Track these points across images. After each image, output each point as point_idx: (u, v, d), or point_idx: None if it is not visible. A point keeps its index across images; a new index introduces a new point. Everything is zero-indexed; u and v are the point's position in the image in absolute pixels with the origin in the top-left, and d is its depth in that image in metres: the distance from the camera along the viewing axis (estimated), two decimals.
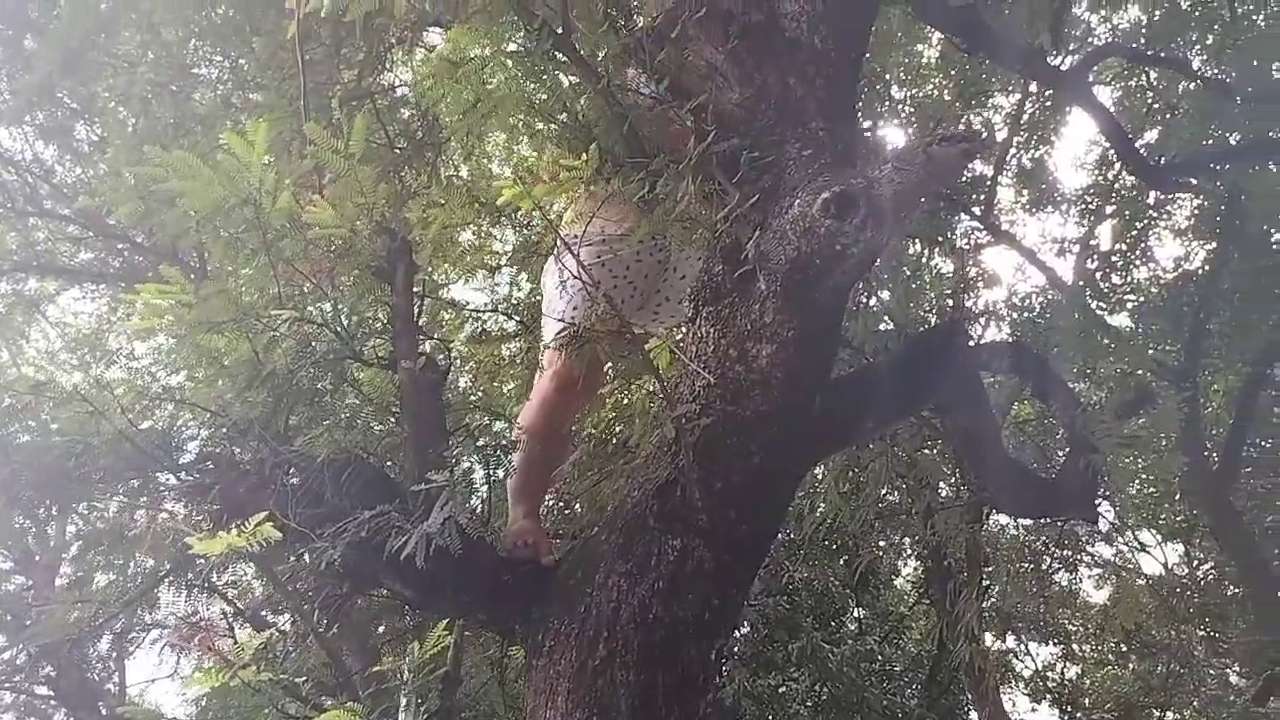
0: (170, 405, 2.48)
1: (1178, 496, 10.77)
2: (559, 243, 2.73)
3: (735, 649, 12.89)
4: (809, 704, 12.60)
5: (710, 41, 2.65)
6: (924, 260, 11.47)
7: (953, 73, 10.23)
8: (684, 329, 2.64)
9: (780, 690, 13.06)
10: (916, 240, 10.63)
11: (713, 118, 2.61)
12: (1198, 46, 9.71)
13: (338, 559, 2.20)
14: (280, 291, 2.23)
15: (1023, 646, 19.16)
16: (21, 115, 9.17)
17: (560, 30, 2.59)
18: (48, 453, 2.46)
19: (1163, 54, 7.21)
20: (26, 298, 10.65)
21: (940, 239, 10.41)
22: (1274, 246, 9.19)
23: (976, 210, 9.42)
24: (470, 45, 2.63)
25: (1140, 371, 9.36)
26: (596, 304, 2.48)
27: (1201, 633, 15.06)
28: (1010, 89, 9.85)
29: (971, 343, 3.40)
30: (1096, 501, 3.78)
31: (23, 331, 10.88)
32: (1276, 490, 10.29)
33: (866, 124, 9.79)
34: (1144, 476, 11.68)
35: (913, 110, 10.72)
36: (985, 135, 2.61)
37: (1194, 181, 6.65)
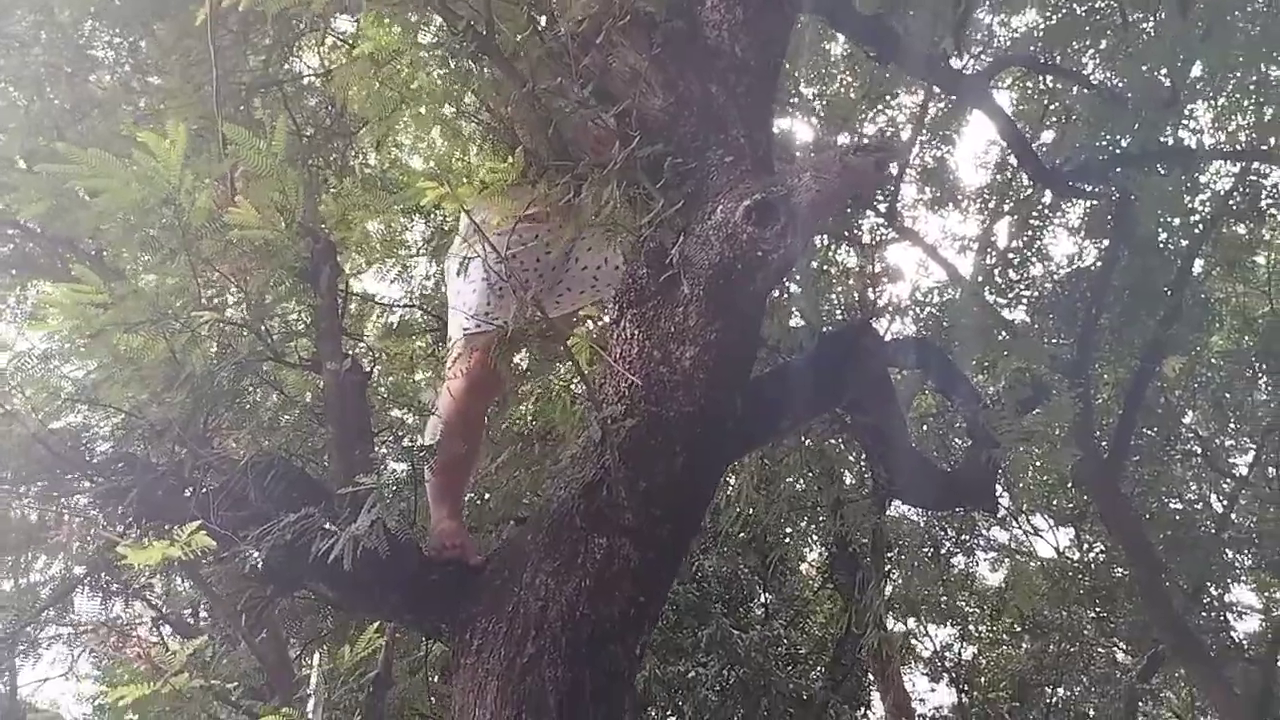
0: (83, 406, 2.42)
1: (1070, 484, 11.23)
2: (469, 236, 2.74)
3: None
4: (717, 689, 12.81)
5: (634, 48, 2.70)
6: (831, 255, 11.75)
7: (858, 69, 10.47)
8: (609, 329, 2.69)
9: (689, 676, 13.23)
10: (824, 236, 10.87)
11: (637, 123, 2.66)
12: (1092, 51, 10.15)
13: (261, 562, 2.19)
14: (199, 292, 2.20)
15: (922, 628, 19.74)
16: None
17: (484, 32, 2.60)
18: None
19: (1058, 62, 7.49)
20: None
21: (846, 234, 10.67)
22: (1161, 246, 9.67)
23: (881, 207, 9.65)
24: (383, 37, 2.62)
25: (1035, 366, 9.76)
26: (520, 304, 2.50)
27: (1091, 614, 15.71)
28: (914, 89, 10.10)
29: (880, 340, 3.53)
30: (995, 492, 3.97)
31: None
32: (1160, 478, 10.81)
33: (777, 122, 9.98)
34: (1038, 465, 12.18)
35: (820, 107, 10.95)
36: (899, 145, 2.72)
37: (1087, 187, 6.96)
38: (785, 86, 9.78)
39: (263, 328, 2.45)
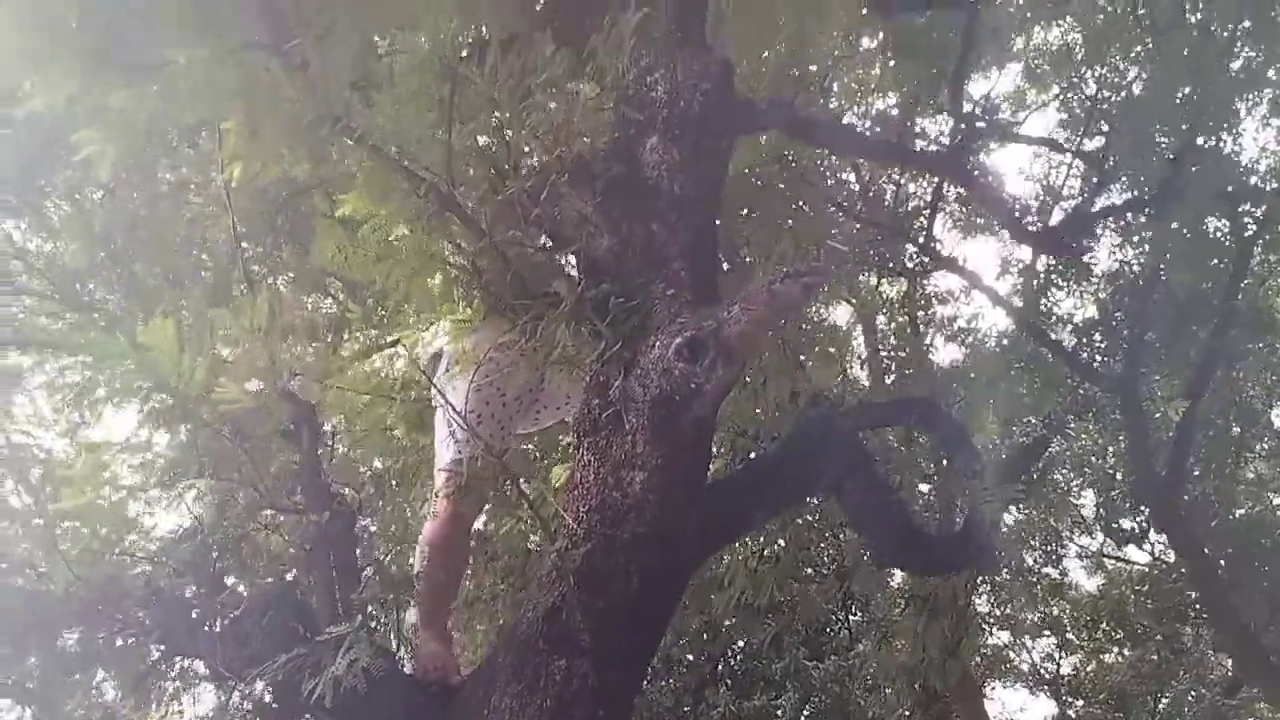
0: (115, 555, 2.75)
1: (1128, 504, 11.09)
2: (444, 383, 3.03)
3: (720, 670, 13.15)
4: None
5: (579, 196, 2.95)
6: (876, 286, 11.88)
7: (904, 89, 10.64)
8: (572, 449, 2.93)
9: (767, 708, 13.27)
10: (867, 269, 11.03)
11: (586, 264, 2.92)
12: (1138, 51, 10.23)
13: (266, 698, 2.49)
14: (199, 452, 2.52)
15: (1018, 641, 19.44)
16: None
17: (446, 191, 2.89)
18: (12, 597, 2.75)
19: (1030, 134, 7.57)
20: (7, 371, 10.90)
21: (890, 265, 10.79)
22: (1206, 258, 9.54)
23: (919, 238, 9.74)
24: (356, 201, 2.92)
25: (1082, 384, 9.73)
26: (482, 446, 2.77)
27: (1186, 625, 15.32)
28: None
29: (855, 421, 3.71)
30: (994, 556, 4.09)
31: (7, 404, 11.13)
32: (1222, 494, 10.61)
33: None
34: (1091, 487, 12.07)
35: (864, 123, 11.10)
36: (826, 269, 2.92)
37: (1077, 245, 6.99)
38: (828, 104, 10.04)
39: (258, 481, 2.78)
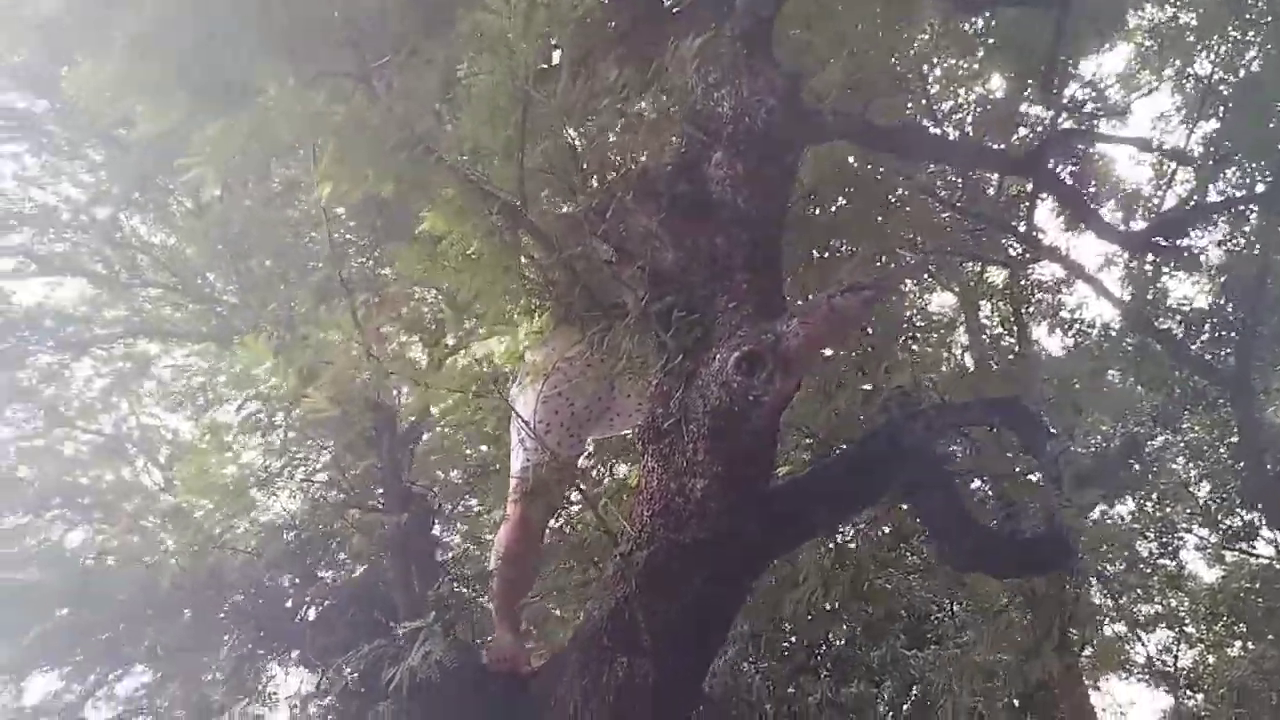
0: (216, 549, 3.00)
1: (1238, 501, 10.69)
2: (516, 392, 3.20)
3: (819, 657, 13.15)
4: (892, 712, 12.78)
5: (645, 211, 3.07)
6: (980, 275, 11.68)
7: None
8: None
9: (865, 695, 13.23)
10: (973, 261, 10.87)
11: (652, 277, 3.03)
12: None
13: (352, 683, 2.69)
14: (290, 456, 2.72)
15: (1133, 634, 18.93)
16: (126, 198, 10.19)
17: (519, 207, 3.04)
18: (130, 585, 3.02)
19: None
20: (137, 358, 11.60)
21: (991, 255, 10.59)
22: None
23: (1020, 228, 9.54)
24: (441, 225, 3.09)
25: (1194, 377, 9.40)
26: (553, 454, 2.91)
27: None
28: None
29: (928, 428, 3.73)
30: (1071, 556, 4.07)
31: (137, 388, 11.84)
32: None
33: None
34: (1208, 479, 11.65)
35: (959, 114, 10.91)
36: (888, 282, 2.97)
37: (1167, 245, 6.73)
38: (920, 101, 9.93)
39: (344, 482, 2.98)
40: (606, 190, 3.04)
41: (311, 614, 2.83)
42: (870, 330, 4.78)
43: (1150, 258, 9.39)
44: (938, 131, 4.32)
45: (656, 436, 2.91)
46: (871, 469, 3.38)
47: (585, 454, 3.42)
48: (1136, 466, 14.09)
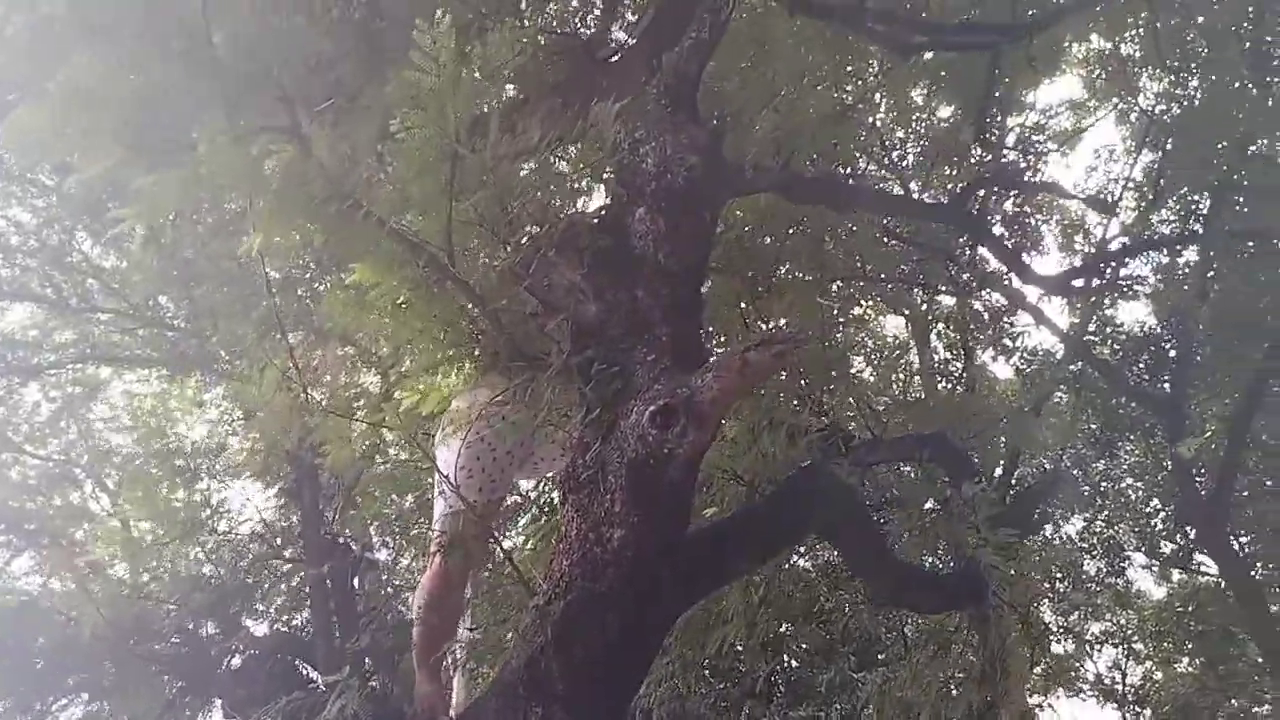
0: (139, 600, 3.03)
1: (1173, 526, 10.94)
2: (447, 426, 3.26)
3: (770, 681, 13.20)
4: None
5: (569, 264, 3.15)
6: (928, 303, 11.88)
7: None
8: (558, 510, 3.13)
9: (816, 718, 13.29)
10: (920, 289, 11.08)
11: (574, 329, 3.11)
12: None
13: None
14: (213, 509, 2.77)
15: (1085, 650, 19.20)
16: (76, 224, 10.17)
17: (448, 261, 3.11)
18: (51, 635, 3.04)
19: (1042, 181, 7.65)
20: (87, 382, 11.52)
21: (940, 286, 10.80)
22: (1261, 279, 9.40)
23: (962, 258, 9.73)
24: (370, 277, 3.16)
25: (1131, 403, 9.64)
26: (470, 505, 2.98)
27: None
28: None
29: (841, 472, 3.85)
30: (986, 595, 4.20)
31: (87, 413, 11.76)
32: (1272, 516, 10.42)
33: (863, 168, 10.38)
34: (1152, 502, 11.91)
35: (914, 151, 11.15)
36: (801, 335, 3.08)
37: (1093, 284, 6.94)
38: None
39: (268, 535, 3.03)
40: (532, 244, 3.12)
41: (235, 663, 2.87)
42: (802, 370, 4.89)
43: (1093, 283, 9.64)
44: (860, 182, 4.45)
45: (575, 487, 2.99)
46: (790, 512, 3.48)
47: (507, 499, 3.48)
48: (1086, 488, 14.40)
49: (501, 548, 2.93)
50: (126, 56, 3.28)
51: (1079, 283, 6.26)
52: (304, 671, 2.85)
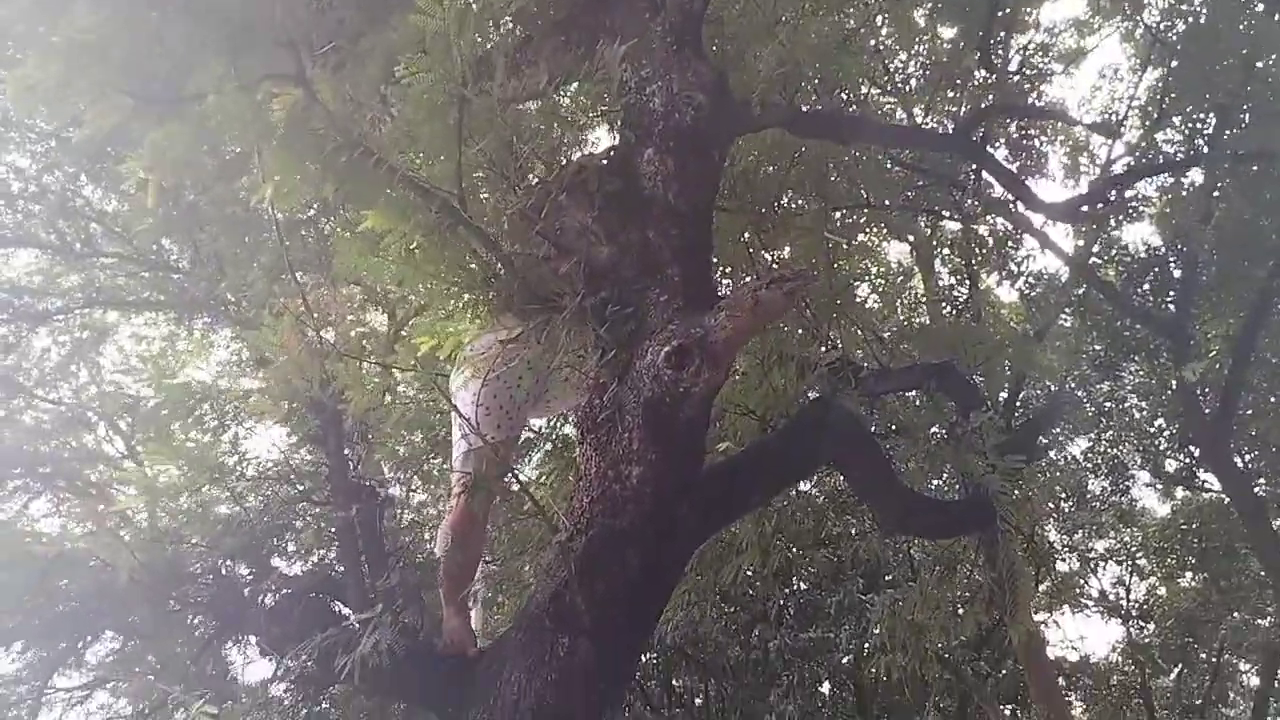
0: (170, 545, 3.12)
1: (1177, 446, 11.06)
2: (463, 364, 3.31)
3: (775, 606, 13.46)
4: (850, 655, 13.16)
5: (580, 207, 3.17)
6: (932, 230, 11.90)
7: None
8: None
9: (823, 641, 13.57)
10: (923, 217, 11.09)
11: (587, 271, 3.14)
12: None
13: (305, 669, 2.84)
14: (239, 455, 2.84)
15: (1088, 568, 19.52)
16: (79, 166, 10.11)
17: (459, 205, 3.13)
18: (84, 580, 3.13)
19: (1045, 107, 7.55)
20: (94, 326, 11.56)
21: (945, 212, 10.80)
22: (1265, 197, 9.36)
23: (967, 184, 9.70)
24: (382, 224, 3.18)
25: (1136, 325, 9.67)
26: (490, 450, 3.05)
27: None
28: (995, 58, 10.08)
29: (853, 404, 3.91)
30: (993, 520, 4.29)
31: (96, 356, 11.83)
32: (1274, 434, 10.51)
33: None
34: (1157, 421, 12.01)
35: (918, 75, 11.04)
36: (810, 273, 3.11)
37: (1098, 208, 6.92)
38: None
39: (294, 477, 3.10)
40: (542, 187, 3.13)
41: (268, 602, 2.96)
42: (809, 304, 4.92)
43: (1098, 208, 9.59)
44: (865, 111, 4.43)
45: (593, 427, 3.05)
46: (801, 444, 3.55)
47: (521, 436, 3.54)
48: (1090, 409, 14.51)
49: (522, 485, 2.99)
50: (125, 6, 3.26)
51: (1084, 209, 6.24)
52: (337, 609, 2.94)
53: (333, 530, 3.55)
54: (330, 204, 4.78)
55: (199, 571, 3.06)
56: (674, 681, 14.16)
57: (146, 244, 9.44)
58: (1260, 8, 9.47)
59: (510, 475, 3.20)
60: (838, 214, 9.96)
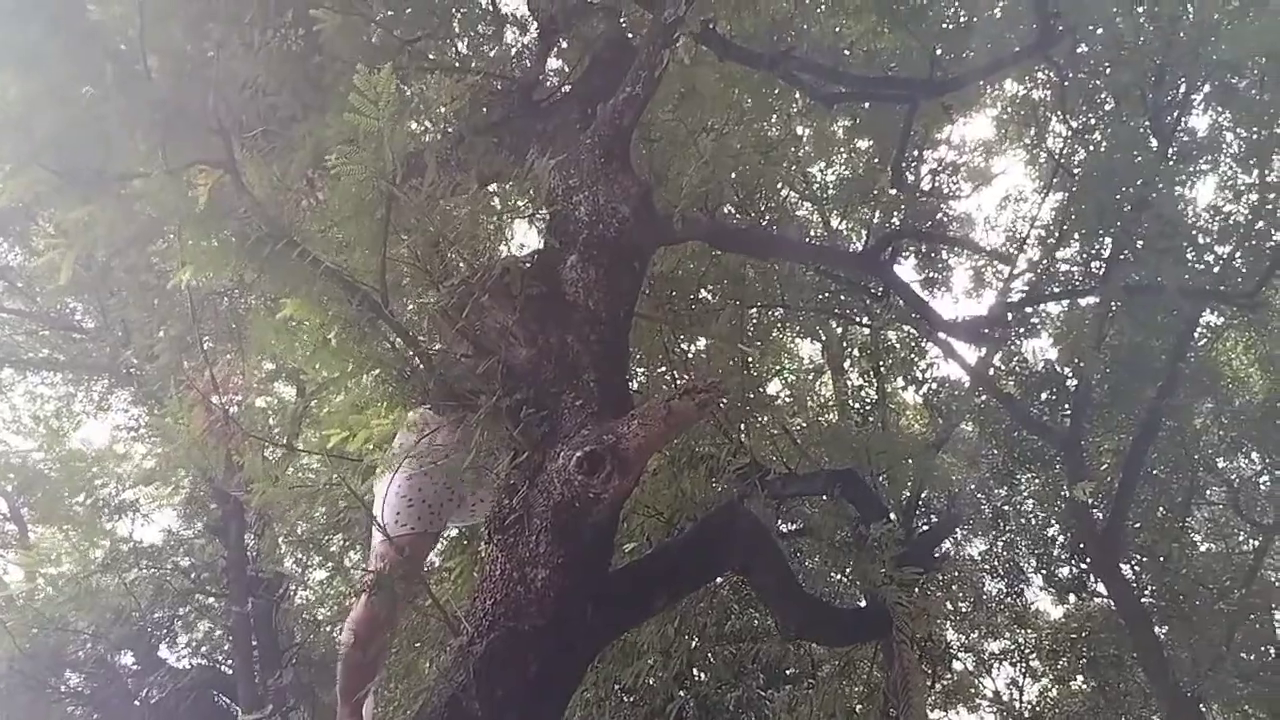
0: (56, 632, 3.01)
1: (1069, 553, 11.41)
2: (388, 461, 3.30)
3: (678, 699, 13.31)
4: None
5: (501, 308, 3.23)
6: (842, 335, 12.27)
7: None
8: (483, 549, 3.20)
9: None
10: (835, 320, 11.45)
11: (506, 372, 3.19)
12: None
13: None
14: (134, 545, 2.77)
15: (983, 669, 19.74)
16: None
17: (381, 303, 3.16)
18: None
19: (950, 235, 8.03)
20: None
21: (855, 315, 11.16)
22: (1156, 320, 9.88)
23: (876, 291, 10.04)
24: (302, 313, 3.18)
25: (1029, 436, 10.05)
26: (409, 540, 3.04)
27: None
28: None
29: (755, 515, 3.98)
30: (891, 628, 4.38)
31: None
32: (1160, 546, 10.93)
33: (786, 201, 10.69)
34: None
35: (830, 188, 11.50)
36: (722, 386, 3.20)
37: (997, 335, 7.31)
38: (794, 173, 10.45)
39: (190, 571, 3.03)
40: (465, 286, 3.18)
41: (153, 696, 2.87)
42: (723, 406, 5.03)
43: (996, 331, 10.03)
44: (780, 231, 4.63)
45: (501, 528, 3.07)
46: (708, 550, 3.60)
47: (442, 535, 3.53)
48: (988, 511, 14.90)
49: (429, 589, 2.98)
50: (54, 82, 3.25)
51: (984, 331, 6.54)
52: (225, 706, 2.85)
53: (227, 624, 3.44)
54: (247, 282, 4.75)
55: (83, 660, 2.95)
56: None
57: (51, 303, 9.20)
58: (1154, 144, 10.11)
59: (418, 576, 3.17)
60: (753, 312, 10.25)
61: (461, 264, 3.27)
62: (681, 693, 13.14)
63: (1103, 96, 10.66)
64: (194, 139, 3.32)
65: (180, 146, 3.25)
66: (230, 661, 3.42)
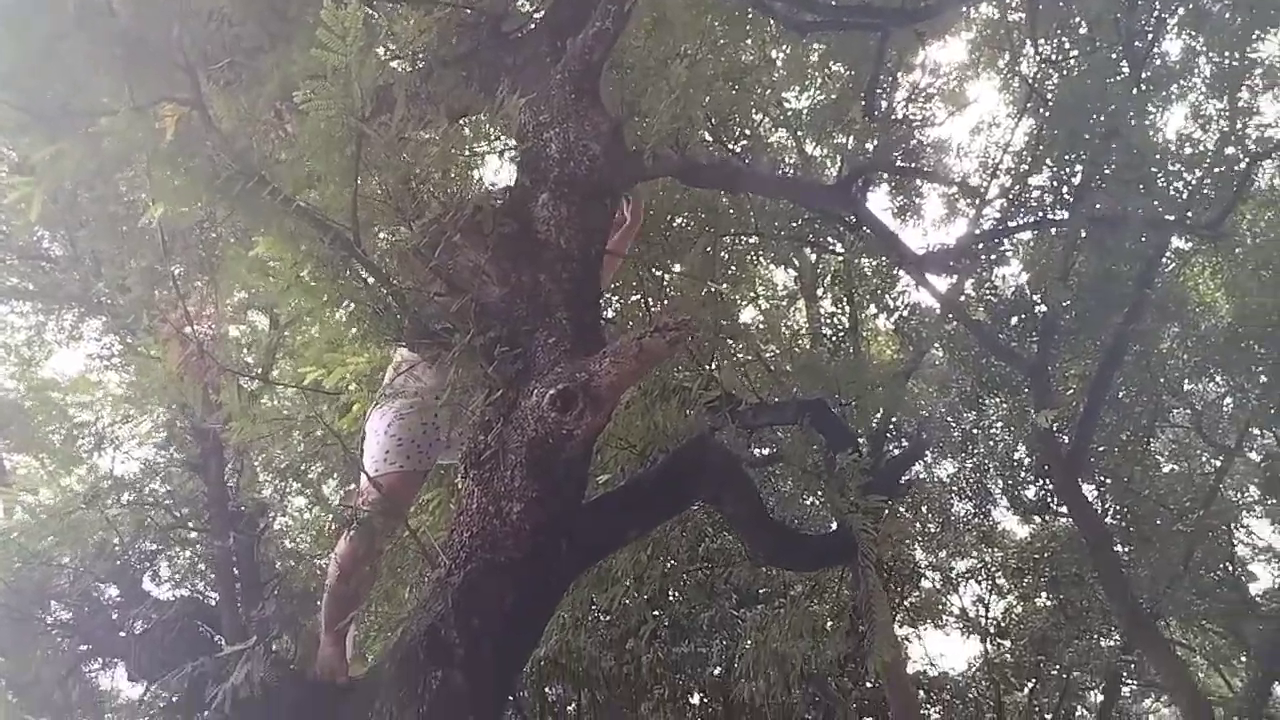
0: (41, 566, 3.07)
1: (1034, 478, 11.69)
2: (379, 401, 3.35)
3: (654, 619, 13.67)
4: (722, 668, 13.45)
5: (473, 247, 3.25)
6: (816, 263, 12.32)
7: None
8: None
9: (695, 655, 13.83)
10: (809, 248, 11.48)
11: (479, 310, 3.22)
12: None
13: (175, 700, 2.83)
14: (114, 480, 2.82)
15: (950, 586, 20.30)
16: None
17: (353, 240, 3.17)
18: None
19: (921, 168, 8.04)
20: None
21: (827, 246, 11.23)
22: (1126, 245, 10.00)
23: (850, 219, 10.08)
24: (274, 250, 3.19)
25: (998, 362, 10.21)
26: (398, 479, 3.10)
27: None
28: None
29: (724, 447, 4.07)
30: (857, 553, 4.51)
31: None
32: (1123, 469, 11.21)
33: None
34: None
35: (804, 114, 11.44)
36: (693, 324, 3.25)
37: (953, 265, 7.38)
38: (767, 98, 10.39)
39: (172, 505, 3.09)
40: (437, 225, 3.19)
41: (138, 627, 2.95)
42: (695, 339, 5.08)
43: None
44: (751, 165, 4.62)
45: (477, 463, 3.13)
46: (679, 480, 3.69)
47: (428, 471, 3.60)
48: (957, 434, 15.18)
49: (408, 525, 3.05)
50: (16, 18, 3.20)
51: (953, 263, 6.60)
52: (210, 636, 2.93)
53: (209, 558, 3.50)
54: (219, 219, 4.73)
55: (68, 592, 3.02)
56: (546, 690, 14.23)
57: (19, 233, 9.08)
58: (1126, 70, 10.12)
59: (403, 510, 3.24)
60: (727, 240, 10.28)
61: (433, 202, 3.27)
62: (656, 613, 13.52)
63: (1076, 21, 10.63)
64: (159, 72, 3.29)
65: (146, 80, 3.21)
66: (214, 592, 3.50)
